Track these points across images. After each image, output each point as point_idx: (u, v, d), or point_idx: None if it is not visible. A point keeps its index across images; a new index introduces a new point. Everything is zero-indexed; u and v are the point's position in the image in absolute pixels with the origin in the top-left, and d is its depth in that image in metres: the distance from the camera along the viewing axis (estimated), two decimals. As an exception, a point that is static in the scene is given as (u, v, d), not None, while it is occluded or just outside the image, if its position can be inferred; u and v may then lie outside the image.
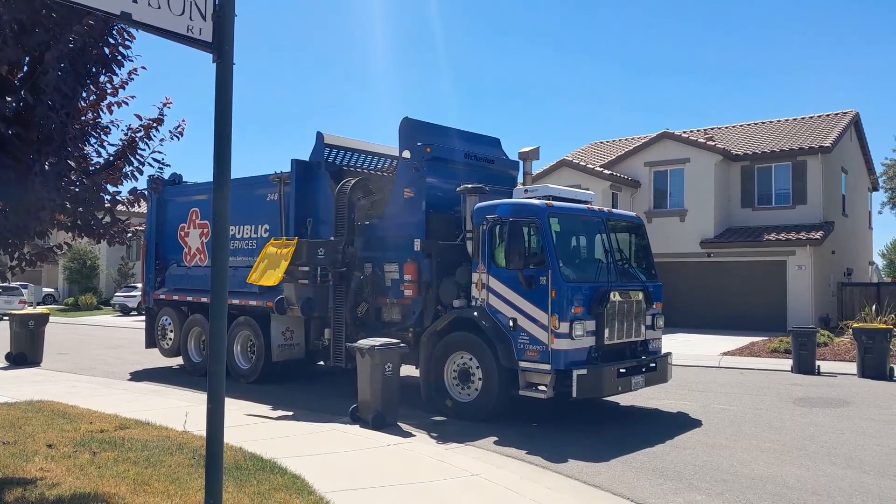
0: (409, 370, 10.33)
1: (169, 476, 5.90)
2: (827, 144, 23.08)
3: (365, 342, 8.93)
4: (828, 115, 26.74)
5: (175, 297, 13.76)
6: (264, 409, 9.64)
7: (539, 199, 9.42)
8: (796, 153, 23.51)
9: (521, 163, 11.50)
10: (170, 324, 14.03)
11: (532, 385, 8.76)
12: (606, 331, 8.95)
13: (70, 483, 5.63)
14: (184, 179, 14.27)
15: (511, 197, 9.93)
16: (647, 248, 10.55)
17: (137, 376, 13.23)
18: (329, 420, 8.93)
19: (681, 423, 9.16)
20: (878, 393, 11.90)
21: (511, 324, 8.90)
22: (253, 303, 11.98)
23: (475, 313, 9.28)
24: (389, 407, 8.68)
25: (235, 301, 11.90)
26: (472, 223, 9.61)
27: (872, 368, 13.75)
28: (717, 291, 23.43)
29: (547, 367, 8.56)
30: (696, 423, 9.15)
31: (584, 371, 8.49)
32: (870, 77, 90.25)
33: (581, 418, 9.54)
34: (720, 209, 24.23)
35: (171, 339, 13.97)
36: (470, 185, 9.80)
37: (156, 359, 14.56)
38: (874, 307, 19.05)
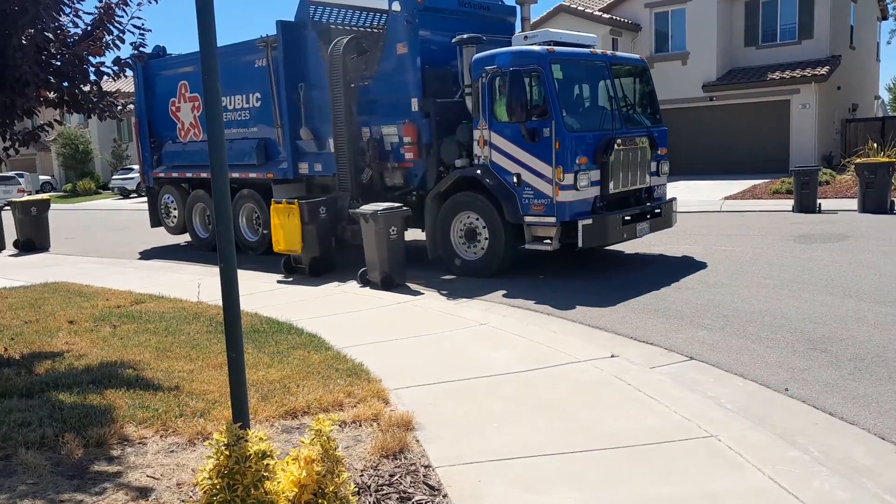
0: (415, 234, 10.42)
1: (189, 342, 6.12)
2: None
3: (367, 207, 8.97)
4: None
5: (175, 175, 13.64)
6: (276, 277, 9.85)
7: (539, 45, 8.99)
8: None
9: (518, 8, 10.94)
10: (172, 201, 14.03)
11: (538, 239, 8.81)
12: (611, 180, 8.87)
13: (96, 354, 5.86)
14: (168, 52, 13.74)
15: (510, 45, 9.45)
16: (652, 92, 10.25)
17: (147, 255, 13.43)
18: (340, 284, 9.16)
19: (684, 266, 9.34)
20: (878, 226, 12.04)
21: (515, 179, 8.75)
22: (253, 175, 11.88)
23: (478, 171, 9.06)
24: (397, 268, 8.85)
25: (235, 175, 11.80)
26: (471, 76, 9.17)
27: (874, 203, 13.82)
28: (721, 136, 23.13)
29: (552, 219, 8.55)
30: (699, 266, 9.33)
31: (588, 221, 8.53)
32: None
33: (587, 268, 9.75)
34: (723, 50, 23.43)
35: (175, 216, 14.04)
36: (466, 36, 9.30)
37: (163, 237, 14.71)
38: (877, 142, 18.86)
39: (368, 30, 11.79)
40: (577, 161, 8.51)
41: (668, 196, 10.28)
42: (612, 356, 5.53)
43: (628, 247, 10.72)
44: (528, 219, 8.77)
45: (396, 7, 9.81)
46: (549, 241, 8.68)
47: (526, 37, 9.55)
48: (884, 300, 7.11)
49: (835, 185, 17.44)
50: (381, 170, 10.32)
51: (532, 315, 7.32)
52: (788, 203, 15.03)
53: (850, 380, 5.02)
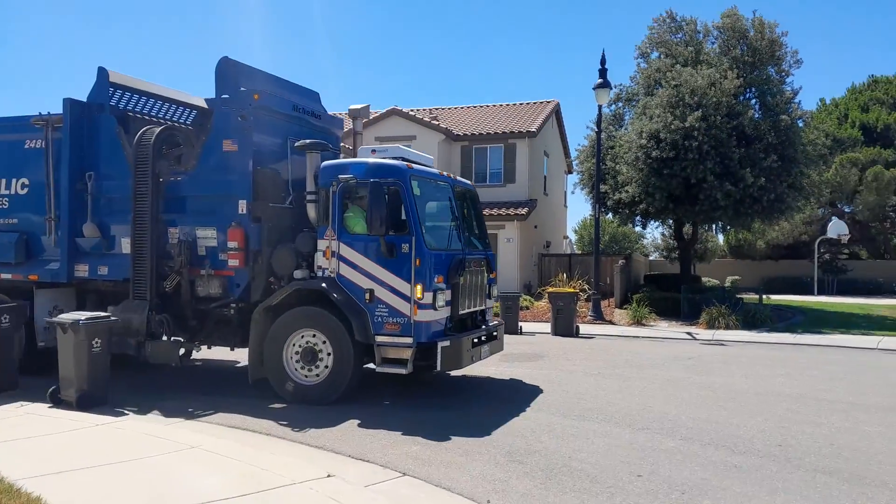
0: (218, 352, 9.33)
1: None
2: (533, 129, 25.88)
3: (68, 316, 8.06)
4: (534, 103, 29.90)
5: None
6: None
7: (391, 160, 8.78)
8: (507, 136, 26.07)
9: (351, 122, 10.70)
10: None
11: (389, 361, 8.23)
12: (461, 301, 8.76)
13: None
14: None
15: (338, 157, 9.17)
16: (482, 216, 10.41)
17: None
18: (25, 404, 7.92)
19: (411, 381, 9.71)
20: (567, 348, 13.82)
21: (367, 295, 8.21)
22: (6, 275, 9.99)
23: (324, 285, 8.33)
24: (99, 385, 7.97)
25: None
26: (317, 183, 8.64)
27: (563, 327, 15.92)
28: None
29: (409, 340, 8.09)
30: (427, 384, 9.77)
31: (447, 342, 8.19)
32: (569, 71, 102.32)
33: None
34: (443, 185, 25.95)
35: None
36: (309, 141, 8.84)
37: None
38: (566, 274, 21.97)
39: (173, 123, 10.75)
40: (435, 279, 8.27)
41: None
42: (329, 476, 5.48)
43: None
44: (380, 338, 8.20)
45: (225, 102, 9.03)
46: (401, 363, 8.15)
47: (374, 150, 9.21)
48: (570, 413, 8.07)
49: (533, 310, 19.76)
50: (193, 276, 9.07)
51: (249, 436, 7.01)
52: (496, 325, 16.61)
53: (541, 489, 5.55)
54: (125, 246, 9.36)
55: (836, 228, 31.85)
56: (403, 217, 8.30)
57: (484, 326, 9.52)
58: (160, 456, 5.93)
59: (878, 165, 35.66)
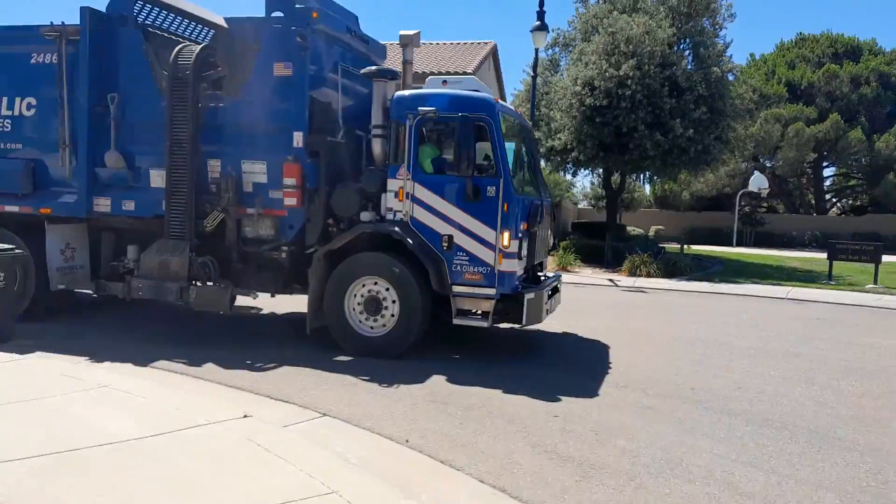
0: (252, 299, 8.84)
1: None
2: (469, 71, 25.48)
3: (-34, 247, 7.53)
4: (472, 44, 29.43)
5: None
6: None
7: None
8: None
9: (402, 50, 9.45)
10: None
11: (465, 313, 7.68)
12: (536, 251, 8.25)
13: None
14: None
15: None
16: (539, 160, 9.85)
17: None
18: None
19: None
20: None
21: (445, 242, 7.58)
22: (14, 208, 8.96)
23: (396, 228, 7.64)
24: (3, 321, 7.54)
25: None
26: (388, 116, 7.90)
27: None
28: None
29: (491, 290, 7.52)
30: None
31: (532, 295, 7.69)
32: (509, 12, 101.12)
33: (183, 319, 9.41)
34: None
35: None
36: (376, 68, 8.07)
37: None
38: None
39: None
40: (521, 226, 7.72)
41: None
42: (246, 416, 5.37)
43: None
44: (458, 289, 7.60)
45: (278, 17, 7.99)
46: (481, 315, 7.66)
47: (445, 81, 8.41)
48: (500, 355, 8.15)
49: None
50: (239, 216, 8.20)
51: (166, 375, 6.80)
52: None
53: (459, 429, 5.60)
54: (156, 179, 8.42)
55: (757, 182, 33.03)
56: (491, 156, 7.68)
57: (544, 278, 8.98)
58: (65, 395, 5.67)
59: (799, 122, 36.98)
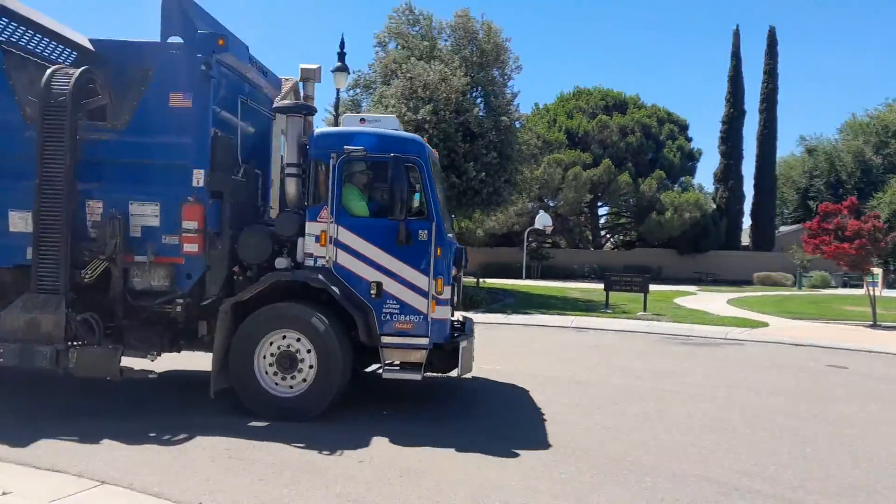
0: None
1: None
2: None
3: None
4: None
5: None
6: None
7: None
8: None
9: (300, 85, 8.92)
10: None
11: (395, 366, 7.21)
12: (458, 296, 7.90)
13: None
14: None
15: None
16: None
17: None
18: None
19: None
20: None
21: (374, 289, 7.07)
22: None
23: (321, 276, 6.98)
24: None
25: None
26: (308, 155, 7.31)
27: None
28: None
29: (424, 340, 7.10)
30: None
31: (465, 343, 7.36)
32: (312, 55, 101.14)
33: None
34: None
35: None
36: (289, 102, 7.26)
37: None
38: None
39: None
40: (451, 271, 7.32)
41: None
42: (4, 493, 4.71)
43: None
44: (387, 339, 7.10)
45: (177, 43, 7.05)
46: (412, 368, 7.17)
47: (363, 119, 7.86)
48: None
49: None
50: (126, 265, 7.07)
51: None
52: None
53: (259, 485, 5.34)
54: (17, 222, 7.14)
55: (542, 220, 35.85)
56: (422, 198, 7.33)
57: (459, 323, 8.47)
58: None
59: (577, 166, 40.81)
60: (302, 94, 8.85)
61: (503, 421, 7.54)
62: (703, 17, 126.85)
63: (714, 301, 26.11)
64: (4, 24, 7.42)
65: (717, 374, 11.03)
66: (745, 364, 12.20)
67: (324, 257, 7.18)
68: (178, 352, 7.77)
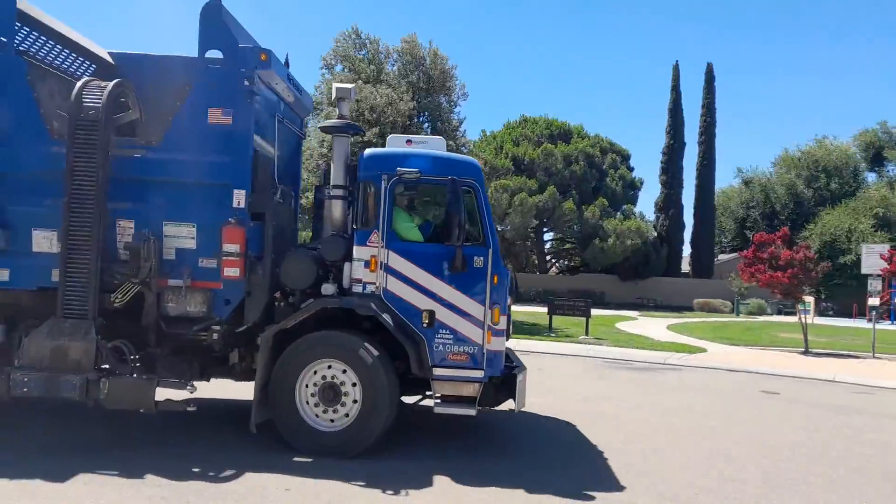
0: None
1: None
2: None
3: None
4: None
5: None
6: None
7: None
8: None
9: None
10: None
11: (449, 399, 6.82)
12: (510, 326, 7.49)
13: None
14: None
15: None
16: None
17: None
18: None
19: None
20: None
21: (426, 318, 6.69)
22: None
23: (372, 304, 6.60)
24: None
25: None
26: (354, 176, 7.07)
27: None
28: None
29: (479, 373, 6.72)
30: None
31: (521, 376, 7.06)
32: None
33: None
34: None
35: None
36: (337, 121, 7.08)
37: None
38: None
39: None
40: (508, 301, 6.95)
41: None
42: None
43: None
44: (439, 371, 6.70)
45: (215, 57, 6.71)
46: (466, 402, 6.77)
47: (409, 140, 7.58)
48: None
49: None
50: (160, 289, 6.66)
51: None
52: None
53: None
54: (41, 242, 6.72)
55: (490, 245, 36.08)
56: (479, 224, 6.96)
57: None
58: None
59: (523, 192, 41.37)
60: (337, 115, 8.58)
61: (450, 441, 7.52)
62: (646, 51, 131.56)
63: (655, 326, 26.70)
64: (26, 33, 7.17)
65: (652, 398, 11.29)
66: (682, 388, 12.52)
67: (373, 283, 6.83)
68: (208, 380, 7.44)
